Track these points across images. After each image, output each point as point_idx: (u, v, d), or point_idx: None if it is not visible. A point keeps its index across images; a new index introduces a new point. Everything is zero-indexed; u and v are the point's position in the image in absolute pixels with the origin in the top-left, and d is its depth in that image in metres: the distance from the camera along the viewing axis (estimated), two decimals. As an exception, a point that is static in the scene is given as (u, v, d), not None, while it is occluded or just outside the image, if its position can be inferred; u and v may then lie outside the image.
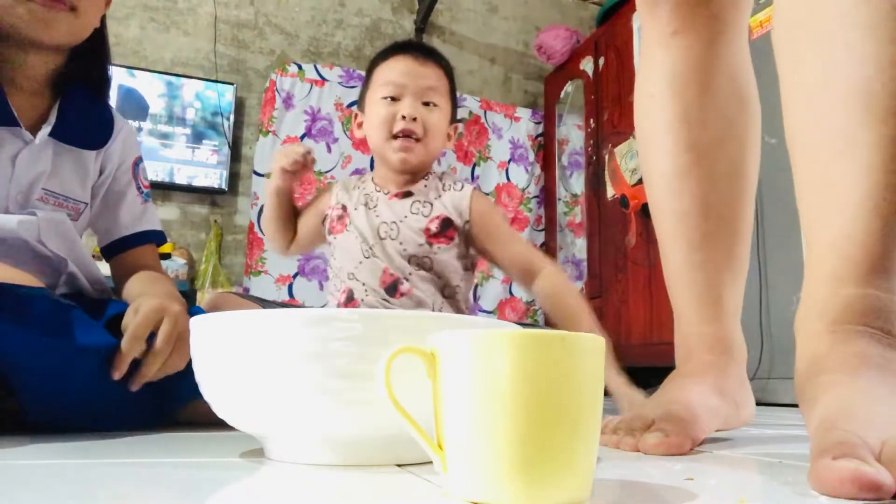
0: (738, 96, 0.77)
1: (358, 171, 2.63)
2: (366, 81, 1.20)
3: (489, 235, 1.12)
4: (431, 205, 1.12)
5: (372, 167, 2.63)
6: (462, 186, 1.15)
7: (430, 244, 1.10)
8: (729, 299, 0.76)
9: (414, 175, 1.16)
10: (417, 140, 1.11)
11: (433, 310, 1.08)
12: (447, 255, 1.11)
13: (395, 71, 1.13)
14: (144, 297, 0.77)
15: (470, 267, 1.17)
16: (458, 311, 1.14)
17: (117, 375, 0.70)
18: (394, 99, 1.11)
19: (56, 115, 0.86)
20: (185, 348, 0.73)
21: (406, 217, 1.11)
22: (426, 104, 1.12)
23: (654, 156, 0.79)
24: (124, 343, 0.70)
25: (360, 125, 1.19)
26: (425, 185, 1.15)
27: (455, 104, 1.20)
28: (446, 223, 1.11)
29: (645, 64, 0.81)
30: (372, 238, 1.11)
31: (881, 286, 0.48)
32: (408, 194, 1.14)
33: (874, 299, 0.48)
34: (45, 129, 0.85)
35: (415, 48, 1.17)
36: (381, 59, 1.17)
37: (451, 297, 1.13)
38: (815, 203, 0.52)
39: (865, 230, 0.47)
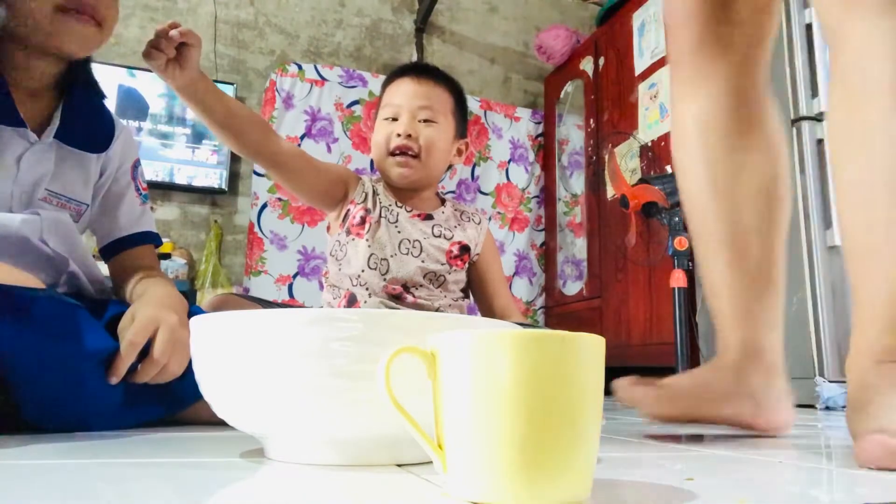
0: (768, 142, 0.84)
1: (358, 171, 2.63)
2: (377, 107, 1.24)
3: (490, 266, 1.23)
4: (452, 231, 1.18)
5: (371, 168, 2.64)
6: (480, 220, 1.24)
7: (450, 265, 1.16)
8: (760, 312, 0.84)
9: (419, 190, 1.18)
10: (414, 156, 1.13)
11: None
12: (456, 277, 1.17)
13: (393, 93, 1.17)
14: (141, 303, 0.77)
15: (466, 293, 1.23)
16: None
17: (114, 380, 0.70)
18: (394, 119, 1.15)
19: (60, 118, 0.86)
20: (182, 355, 0.73)
21: (428, 237, 1.16)
22: (424, 121, 1.14)
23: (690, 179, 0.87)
24: (122, 349, 0.70)
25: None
26: (443, 212, 1.20)
27: (463, 120, 1.23)
28: (464, 249, 1.18)
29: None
30: (391, 250, 1.13)
31: None
32: (429, 217, 1.18)
33: None
34: (50, 131, 0.85)
35: (414, 69, 1.20)
36: (386, 83, 1.21)
37: (451, 307, 1.16)
38: (862, 257, 0.62)
39: None
